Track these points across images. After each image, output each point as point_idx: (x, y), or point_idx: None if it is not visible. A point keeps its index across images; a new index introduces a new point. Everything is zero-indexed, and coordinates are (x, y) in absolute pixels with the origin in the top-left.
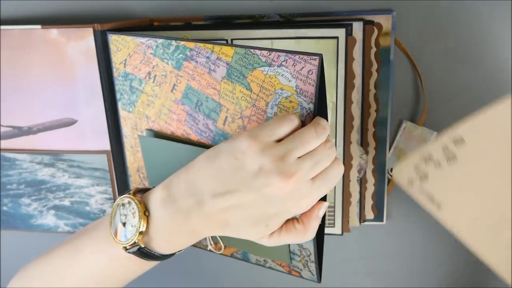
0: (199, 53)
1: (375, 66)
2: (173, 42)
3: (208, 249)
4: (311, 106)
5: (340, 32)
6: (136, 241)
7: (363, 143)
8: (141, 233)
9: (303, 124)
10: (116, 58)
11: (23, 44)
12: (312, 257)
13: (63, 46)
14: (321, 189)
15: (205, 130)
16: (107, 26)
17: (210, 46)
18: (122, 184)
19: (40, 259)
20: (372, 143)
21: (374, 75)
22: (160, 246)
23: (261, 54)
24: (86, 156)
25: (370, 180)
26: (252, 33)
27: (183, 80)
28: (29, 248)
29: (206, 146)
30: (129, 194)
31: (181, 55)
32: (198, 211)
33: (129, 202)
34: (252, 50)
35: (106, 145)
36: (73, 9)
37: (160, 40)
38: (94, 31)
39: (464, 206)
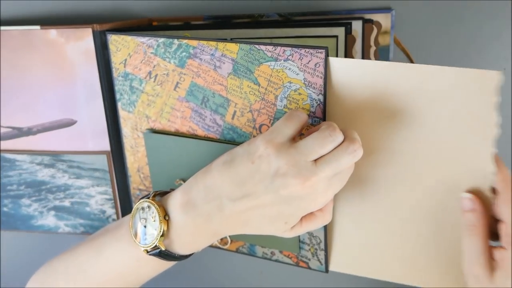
0: (203, 50)
1: None
2: (175, 41)
3: (214, 244)
4: (321, 97)
5: (340, 31)
6: (157, 244)
7: None
8: (161, 236)
9: (314, 114)
10: (116, 58)
11: (22, 45)
12: (322, 245)
13: (62, 47)
14: (336, 186)
15: (213, 125)
16: (106, 26)
17: (213, 43)
18: (122, 184)
19: (64, 256)
20: None
21: None
22: (180, 247)
23: (267, 50)
24: (86, 157)
25: None
26: (251, 33)
27: (187, 77)
28: (30, 249)
29: (214, 140)
30: (148, 198)
31: (184, 53)
32: (218, 215)
33: (148, 206)
34: (257, 46)
35: (106, 145)
36: (72, 9)
37: (162, 39)
38: (93, 32)
39: None
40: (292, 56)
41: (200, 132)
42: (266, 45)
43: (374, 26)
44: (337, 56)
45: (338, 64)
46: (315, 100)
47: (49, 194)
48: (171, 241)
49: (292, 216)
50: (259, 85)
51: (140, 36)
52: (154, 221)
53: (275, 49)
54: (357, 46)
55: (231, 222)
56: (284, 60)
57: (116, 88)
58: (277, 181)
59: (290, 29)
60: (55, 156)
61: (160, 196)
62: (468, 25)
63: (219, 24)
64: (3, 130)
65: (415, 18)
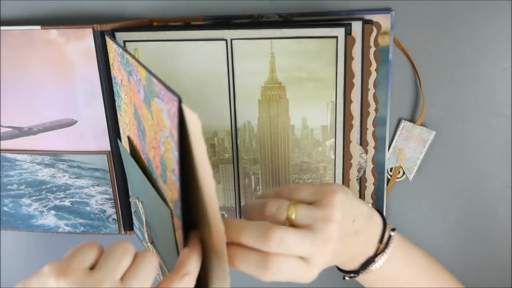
0: (133, 69)
1: (374, 65)
2: (125, 54)
3: None
4: (177, 154)
5: (339, 32)
6: None
7: (363, 142)
8: None
9: (176, 173)
10: (110, 60)
11: (23, 45)
12: None
13: (62, 47)
14: None
15: (144, 151)
16: (106, 26)
17: (136, 63)
18: (122, 184)
19: None
20: (371, 142)
21: (373, 74)
22: None
23: (155, 83)
24: (86, 157)
25: (370, 179)
26: (251, 33)
27: (132, 94)
28: (30, 249)
29: (141, 168)
30: None
31: (128, 69)
32: None
33: None
34: (152, 77)
35: (106, 145)
36: (73, 9)
37: (120, 51)
38: (94, 32)
39: None
40: (165, 96)
41: (141, 154)
42: (155, 78)
43: (374, 26)
44: (337, 56)
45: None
46: (175, 156)
47: (49, 194)
48: None
49: None
50: (153, 120)
51: (114, 43)
52: None
53: (157, 85)
54: (357, 47)
55: None
56: (162, 100)
57: (114, 88)
58: None
59: (290, 29)
60: (56, 156)
61: None
62: (468, 25)
63: (219, 24)
64: (3, 130)
65: (415, 19)
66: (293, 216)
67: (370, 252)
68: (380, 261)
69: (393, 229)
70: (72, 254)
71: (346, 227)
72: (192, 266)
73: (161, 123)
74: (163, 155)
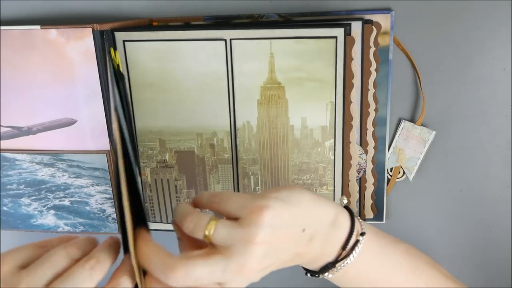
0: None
1: (374, 65)
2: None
3: None
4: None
5: (339, 32)
6: None
7: (362, 143)
8: None
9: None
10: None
11: (22, 45)
12: None
13: (62, 47)
14: None
15: None
16: (106, 26)
17: (109, 67)
18: None
19: None
20: (371, 143)
21: (373, 74)
22: None
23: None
24: (85, 156)
25: (370, 180)
26: (251, 33)
27: None
28: None
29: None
30: None
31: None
32: None
33: None
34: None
35: (106, 145)
36: (73, 9)
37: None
38: (93, 32)
39: None
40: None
41: None
42: (112, 86)
43: (373, 26)
44: (336, 56)
45: None
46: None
47: (49, 193)
48: None
49: None
50: None
51: (106, 44)
52: None
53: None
54: (357, 47)
55: None
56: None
57: None
58: None
59: (290, 29)
60: (55, 156)
61: None
62: (468, 25)
63: (219, 24)
64: (3, 129)
65: (415, 19)
66: (211, 234)
67: (330, 257)
68: (341, 267)
69: (362, 233)
70: (13, 251)
71: (286, 241)
72: (122, 279)
73: None
74: None
